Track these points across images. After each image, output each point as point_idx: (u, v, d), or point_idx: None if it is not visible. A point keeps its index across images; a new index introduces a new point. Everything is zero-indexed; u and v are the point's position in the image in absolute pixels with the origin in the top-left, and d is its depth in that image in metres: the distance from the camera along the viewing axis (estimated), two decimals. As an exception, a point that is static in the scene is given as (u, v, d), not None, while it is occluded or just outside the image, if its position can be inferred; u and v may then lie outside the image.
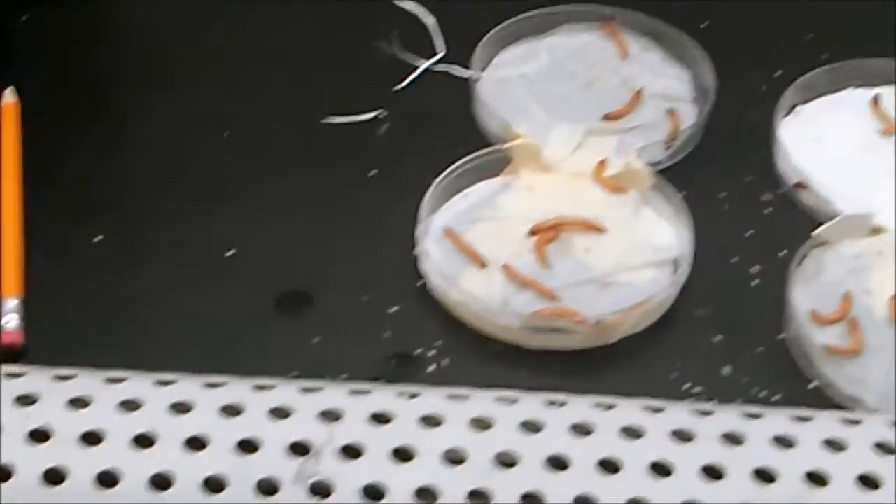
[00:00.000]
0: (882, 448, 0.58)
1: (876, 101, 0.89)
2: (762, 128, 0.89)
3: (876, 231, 0.82)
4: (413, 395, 0.64)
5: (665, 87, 0.92)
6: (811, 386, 0.75)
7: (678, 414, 0.63)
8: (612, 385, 0.74)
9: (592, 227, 0.82)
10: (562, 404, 0.64)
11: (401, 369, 0.75)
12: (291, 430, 0.56)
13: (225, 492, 0.54)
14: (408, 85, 0.92)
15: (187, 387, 0.58)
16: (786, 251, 0.81)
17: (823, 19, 0.98)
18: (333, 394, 0.61)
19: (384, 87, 0.92)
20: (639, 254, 0.81)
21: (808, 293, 0.79)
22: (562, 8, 0.96)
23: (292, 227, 0.83)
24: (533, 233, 0.81)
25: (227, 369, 0.57)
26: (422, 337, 0.77)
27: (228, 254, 0.82)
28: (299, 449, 0.55)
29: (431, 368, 0.76)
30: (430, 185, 0.83)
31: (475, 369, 0.76)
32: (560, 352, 0.77)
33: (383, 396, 0.62)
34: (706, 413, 0.63)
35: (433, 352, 0.76)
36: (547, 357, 0.77)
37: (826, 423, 0.62)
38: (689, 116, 0.90)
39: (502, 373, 0.76)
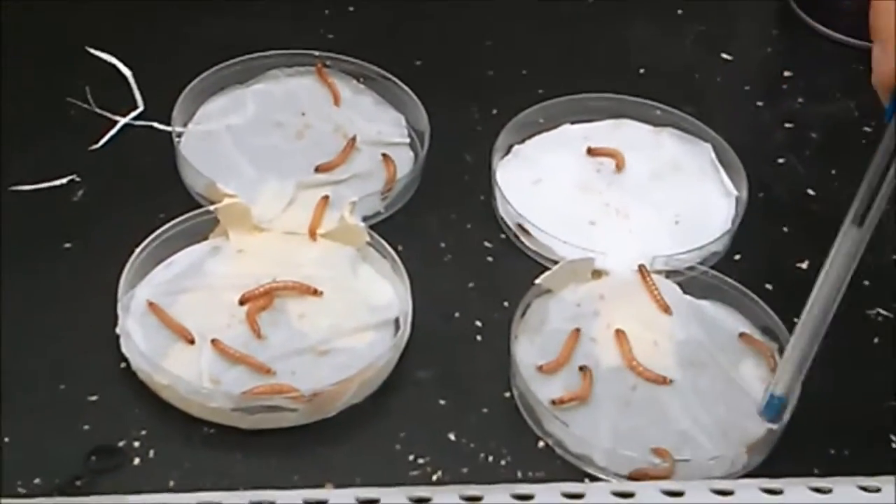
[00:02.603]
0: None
1: (590, 150, 0.88)
2: (480, 170, 0.86)
3: (597, 274, 0.80)
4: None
5: (379, 133, 0.88)
6: (540, 445, 0.72)
7: (394, 499, 0.59)
8: (333, 462, 0.71)
9: (307, 290, 0.77)
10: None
11: (103, 465, 0.69)
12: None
13: None
14: (105, 144, 0.86)
15: None
16: (508, 302, 0.78)
17: (535, 55, 0.96)
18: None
19: (79, 146, 0.85)
20: (356, 316, 0.77)
21: (532, 345, 0.76)
22: (267, 53, 0.91)
23: (-23, 311, 0.76)
24: (243, 301, 0.76)
25: None
26: (126, 426, 0.71)
27: None
28: None
29: (137, 461, 0.69)
30: (131, 254, 0.77)
31: (185, 457, 0.70)
32: (278, 429, 0.72)
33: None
34: (423, 500, 0.59)
35: (138, 443, 0.70)
36: (263, 436, 0.71)
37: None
38: (406, 162, 0.87)
39: (214, 459, 0.70)
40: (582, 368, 0.74)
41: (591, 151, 0.88)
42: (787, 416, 0.70)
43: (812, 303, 0.66)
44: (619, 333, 0.77)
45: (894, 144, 0.62)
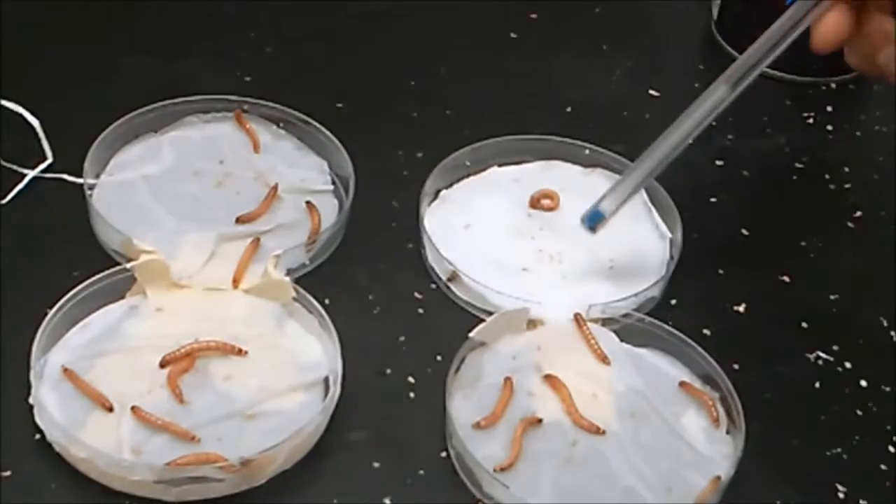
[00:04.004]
0: None
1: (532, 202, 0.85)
2: (408, 217, 0.83)
3: (532, 324, 0.77)
4: None
5: (302, 180, 0.85)
6: (479, 508, 0.70)
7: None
8: (265, 534, 0.67)
9: (231, 350, 0.74)
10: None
11: (19, 548, 0.65)
12: None
13: None
14: (12, 199, 0.82)
15: None
16: (441, 356, 0.76)
17: (460, 95, 0.93)
18: None
19: (-15, 202, 0.82)
20: (284, 376, 0.73)
21: (468, 401, 0.74)
22: (182, 99, 0.87)
23: None
24: (163, 364, 0.72)
25: None
26: (43, 503, 0.67)
27: None
28: None
29: (55, 542, 0.66)
30: (44, 317, 0.73)
31: (107, 535, 0.66)
32: (204, 500, 0.68)
33: None
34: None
35: (56, 521, 0.67)
36: (190, 508, 0.68)
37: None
38: (330, 210, 0.84)
39: (139, 535, 0.67)
40: (519, 428, 0.72)
41: (533, 203, 0.85)
42: (601, 229, 0.76)
43: (661, 140, 0.73)
44: (553, 379, 0.74)
45: (789, 26, 0.69)
